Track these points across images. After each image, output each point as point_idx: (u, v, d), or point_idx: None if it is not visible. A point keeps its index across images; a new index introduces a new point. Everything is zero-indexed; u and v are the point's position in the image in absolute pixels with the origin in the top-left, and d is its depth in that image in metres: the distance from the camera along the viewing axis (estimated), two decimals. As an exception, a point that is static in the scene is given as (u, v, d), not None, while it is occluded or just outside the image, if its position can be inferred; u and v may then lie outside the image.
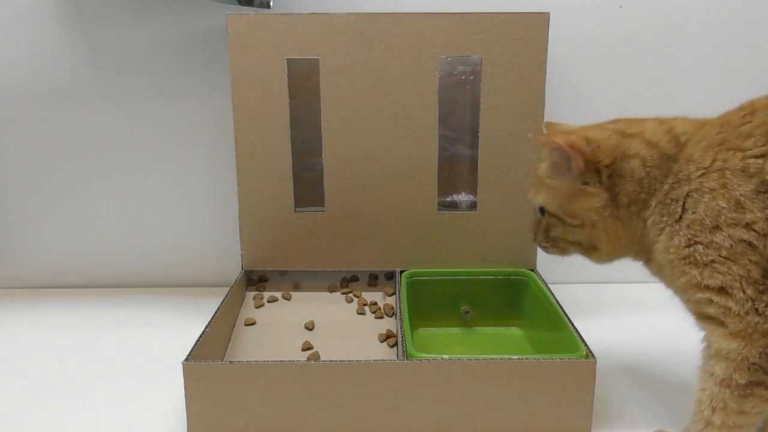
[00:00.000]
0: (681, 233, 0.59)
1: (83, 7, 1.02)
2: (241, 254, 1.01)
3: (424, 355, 0.70)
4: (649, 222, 0.62)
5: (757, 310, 0.55)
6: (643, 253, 0.65)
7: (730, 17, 1.03)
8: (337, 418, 0.68)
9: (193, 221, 1.12)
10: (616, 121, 0.68)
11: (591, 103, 1.06)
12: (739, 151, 0.57)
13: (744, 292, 0.56)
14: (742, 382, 0.56)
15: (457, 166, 1.04)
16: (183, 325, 0.87)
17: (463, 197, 1.04)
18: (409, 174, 0.96)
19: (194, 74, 1.05)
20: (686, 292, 0.59)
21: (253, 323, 0.90)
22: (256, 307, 0.96)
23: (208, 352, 0.73)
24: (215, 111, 1.05)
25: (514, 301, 0.93)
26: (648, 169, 0.62)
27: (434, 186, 0.97)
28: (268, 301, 0.98)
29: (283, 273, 1.03)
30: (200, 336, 0.72)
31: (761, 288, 0.55)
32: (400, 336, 0.77)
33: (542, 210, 0.69)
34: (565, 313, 0.78)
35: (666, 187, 0.61)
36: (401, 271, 0.95)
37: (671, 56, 1.05)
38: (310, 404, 0.67)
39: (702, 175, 0.58)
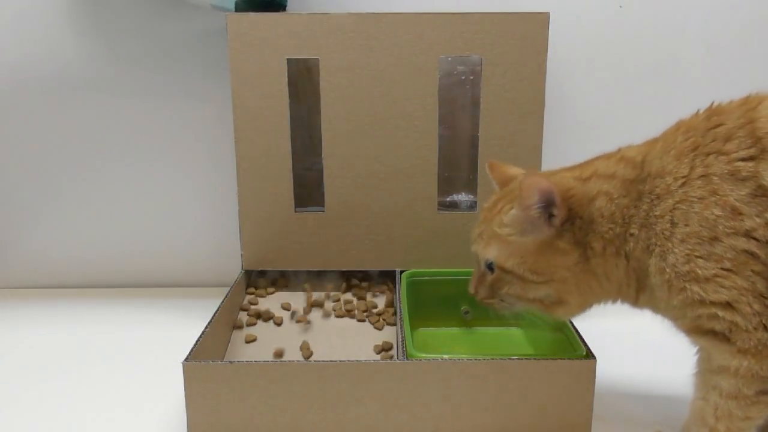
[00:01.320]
0: (676, 250, 0.56)
1: (82, 8, 1.02)
2: (241, 254, 1.01)
3: (424, 355, 0.70)
4: (637, 252, 0.59)
5: (765, 326, 0.53)
6: (631, 289, 0.61)
7: (729, 17, 1.03)
8: (337, 418, 0.68)
9: (193, 221, 1.12)
10: (571, 169, 0.65)
11: (591, 103, 1.06)
12: (722, 154, 0.55)
13: (751, 306, 0.53)
14: (750, 393, 0.55)
15: (457, 166, 1.04)
16: (183, 325, 0.87)
17: (463, 197, 1.04)
18: (409, 174, 0.96)
19: (194, 74, 1.05)
20: (684, 309, 0.57)
21: (254, 340, 0.89)
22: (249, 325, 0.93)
23: (208, 352, 0.73)
24: (215, 111, 1.05)
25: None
26: (615, 201, 0.59)
27: (434, 186, 0.97)
28: (263, 320, 0.94)
29: (282, 273, 1.04)
30: (200, 336, 0.72)
31: (766, 303, 0.53)
32: (400, 336, 0.77)
33: (491, 266, 0.65)
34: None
35: (644, 208, 0.58)
36: (401, 271, 0.95)
37: (671, 56, 1.05)
38: (310, 404, 0.67)
39: (683, 184, 0.56)
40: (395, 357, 0.81)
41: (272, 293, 1.00)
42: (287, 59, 0.93)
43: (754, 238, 0.53)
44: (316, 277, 1.03)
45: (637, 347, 0.87)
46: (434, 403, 0.68)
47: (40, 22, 1.02)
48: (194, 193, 1.11)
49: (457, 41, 0.92)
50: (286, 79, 0.94)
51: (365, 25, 0.92)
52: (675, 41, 1.04)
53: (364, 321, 0.91)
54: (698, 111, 0.60)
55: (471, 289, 0.69)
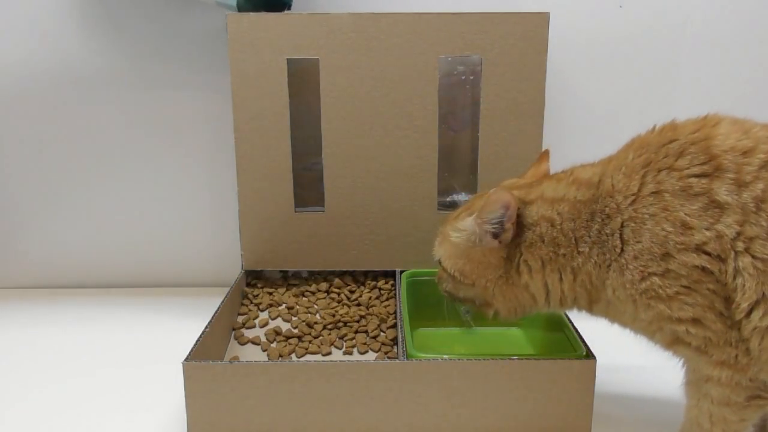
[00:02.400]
0: (630, 266, 0.56)
1: (81, 8, 1.02)
2: (241, 254, 1.01)
3: (424, 355, 0.70)
4: (588, 267, 0.60)
5: (731, 343, 0.54)
6: (582, 300, 0.62)
7: (729, 17, 1.03)
8: (337, 418, 0.68)
9: (193, 221, 1.12)
10: (519, 187, 0.66)
11: (591, 103, 1.06)
12: (674, 170, 0.55)
13: (715, 324, 0.54)
14: (740, 399, 0.56)
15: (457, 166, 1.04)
16: (183, 325, 0.87)
17: (463, 197, 1.04)
18: (409, 174, 0.96)
19: (194, 74, 1.05)
20: (659, 323, 0.57)
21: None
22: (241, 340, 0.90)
23: (208, 352, 0.73)
24: (215, 111, 1.05)
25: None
26: (560, 225, 0.60)
27: (434, 186, 0.97)
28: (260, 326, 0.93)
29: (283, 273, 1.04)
30: (200, 336, 0.72)
31: (729, 323, 0.54)
32: (400, 336, 0.77)
33: (439, 262, 0.70)
34: (565, 313, 0.78)
35: (596, 227, 0.58)
36: (401, 271, 0.95)
37: (671, 56, 1.05)
38: (310, 404, 0.67)
39: (633, 202, 0.56)
40: (397, 353, 0.81)
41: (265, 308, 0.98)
42: (287, 59, 0.93)
43: (706, 253, 0.53)
44: (313, 279, 1.04)
45: (637, 347, 0.87)
46: (434, 403, 0.68)
47: (43, 21, 1.02)
48: (194, 193, 1.11)
49: (457, 41, 0.92)
50: (286, 79, 0.94)
51: (365, 25, 0.92)
52: (675, 41, 1.04)
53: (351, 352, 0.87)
54: (654, 126, 0.60)
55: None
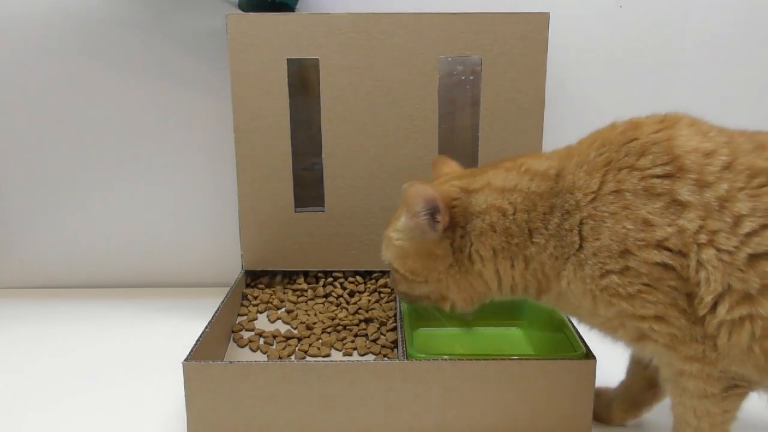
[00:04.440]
0: (590, 262, 0.56)
1: (80, 7, 1.02)
2: (241, 254, 1.01)
3: (424, 355, 0.70)
4: (542, 257, 0.60)
5: (696, 339, 0.54)
6: (531, 289, 0.63)
7: (729, 17, 1.03)
8: (337, 418, 0.68)
9: (193, 221, 1.12)
10: (460, 177, 0.67)
11: (591, 103, 1.06)
12: (635, 170, 0.55)
13: (679, 320, 0.54)
14: (716, 391, 0.56)
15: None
16: (183, 325, 0.87)
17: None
18: (409, 174, 0.96)
19: (194, 74, 1.05)
20: (621, 320, 0.57)
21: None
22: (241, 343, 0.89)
23: (208, 352, 0.73)
24: (215, 111, 1.05)
25: (513, 301, 0.92)
26: (513, 216, 0.61)
27: (434, 186, 0.97)
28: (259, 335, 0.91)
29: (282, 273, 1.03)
30: (200, 336, 0.72)
31: (693, 319, 0.54)
32: (400, 336, 0.77)
33: (390, 265, 0.70)
34: (567, 316, 0.78)
35: (555, 221, 0.59)
36: (401, 271, 0.95)
37: (671, 56, 1.05)
38: (310, 404, 0.67)
39: (593, 200, 0.56)
40: (397, 353, 0.81)
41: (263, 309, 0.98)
42: (287, 59, 0.93)
43: (667, 249, 0.53)
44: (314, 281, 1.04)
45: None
46: (434, 403, 0.68)
47: (42, 21, 1.02)
48: (194, 193, 1.11)
49: (457, 41, 0.92)
50: (286, 79, 0.94)
51: (365, 25, 0.92)
52: (675, 40, 1.04)
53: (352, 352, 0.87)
54: (615, 123, 0.61)
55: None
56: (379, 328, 0.90)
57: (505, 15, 0.91)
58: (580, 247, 0.57)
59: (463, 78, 1.02)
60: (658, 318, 0.55)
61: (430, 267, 0.66)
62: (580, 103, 1.05)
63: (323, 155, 0.97)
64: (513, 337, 0.90)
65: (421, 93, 0.94)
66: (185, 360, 0.66)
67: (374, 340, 0.87)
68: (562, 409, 0.68)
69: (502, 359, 0.67)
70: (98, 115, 1.07)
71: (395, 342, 0.86)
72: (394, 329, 0.89)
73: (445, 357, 0.68)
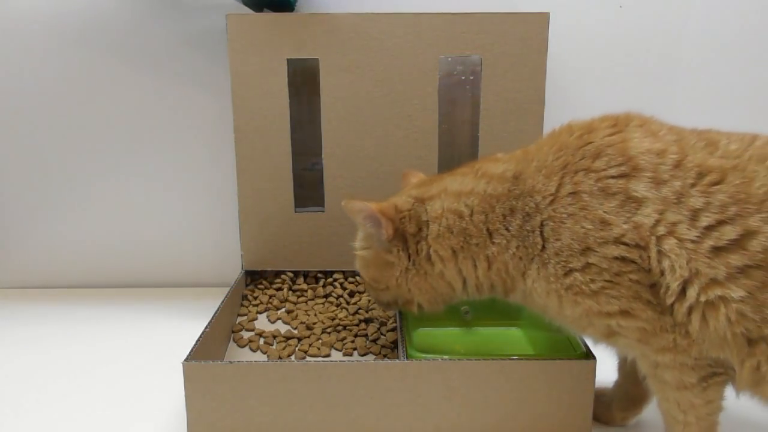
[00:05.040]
0: (552, 261, 0.58)
1: (79, 7, 1.02)
2: (241, 254, 1.01)
3: (424, 355, 0.70)
4: (505, 257, 0.62)
5: (666, 329, 0.55)
6: (498, 288, 0.65)
7: (729, 17, 1.03)
8: (337, 418, 0.68)
9: (193, 221, 1.12)
10: (418, 186, 0.71)
11: (591, 103, 1.06)
12: (591, 171, 0.57)
13: (645, 312, 0.55)
14: (694, 381, 0.56)
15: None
16: (183, 325, 0.87)
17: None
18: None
19: (194, 74, 1.05)
20: (585, 319, 0.58)
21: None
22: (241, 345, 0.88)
23: (208, 352, 0.73)
24: (215, 111, 1.05)
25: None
26: (471, 218, 0.63)
27: (434, 186, 0.96)
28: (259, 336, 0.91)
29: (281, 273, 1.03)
30: (200, 336, 0.72)
31: (660, 309, 0.55)
32: (400, 336, 0.77)
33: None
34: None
35: (517, 222, 0.61)
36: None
37: (671, 56, 1.05)
38: (310, 404, 0.67)
39: (552, 202, 0.58)
40: (397, 353, 0.81)
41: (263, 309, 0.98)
42: (287, 59, 0.93)
43: (624, 243, 0.54)
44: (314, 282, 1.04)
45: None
46: (434, 403, 0.68)
47: (43, 21, 1.02)
48: (194, 193, 1.11)
49: (457, 41, 0.92)
50: (286, 79, 0.94)
51: (365, 25, 0.92)
52: (675, 41, 1.04)
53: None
54: (571, 125, 0.62)
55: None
56: (379, 328, 0.90)
57: (505, 15, 0.91)
58: (543, 247, 0.59)
59: (463, 78, 1.02)
60: (624, 312, 0.56)
61: (387, 274, 0.70)
62: (580, 103, 1.05)
63: (323, 155, 0.97)
64: (513, 337, 0.90)
65: (421, 93, 0.94)
66: (185, 360, 0.66)
67: (374, 340, 0.87)
68: (562, 409, 0.68)
69: (502, 359, 0.67)
70: (98, 115, 1.07)
71: (395, 342, 0.86)
72: (394, 329, 0.89)
73: (445, 357, 0.68)
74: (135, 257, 1.13)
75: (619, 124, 0.59)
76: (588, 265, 0.56)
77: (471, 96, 1.01)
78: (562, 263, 0.57)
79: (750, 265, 0.51)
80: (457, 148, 1.03)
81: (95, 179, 1.10)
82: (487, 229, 0.63)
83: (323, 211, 0.99)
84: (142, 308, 1.04)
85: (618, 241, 0.54)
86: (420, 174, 0.78)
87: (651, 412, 0.72)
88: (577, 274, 0.57)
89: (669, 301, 0.54)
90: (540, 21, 0.91)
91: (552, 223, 0.58)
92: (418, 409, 0.68)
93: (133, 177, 1.10)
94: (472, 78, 1.01)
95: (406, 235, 0.67)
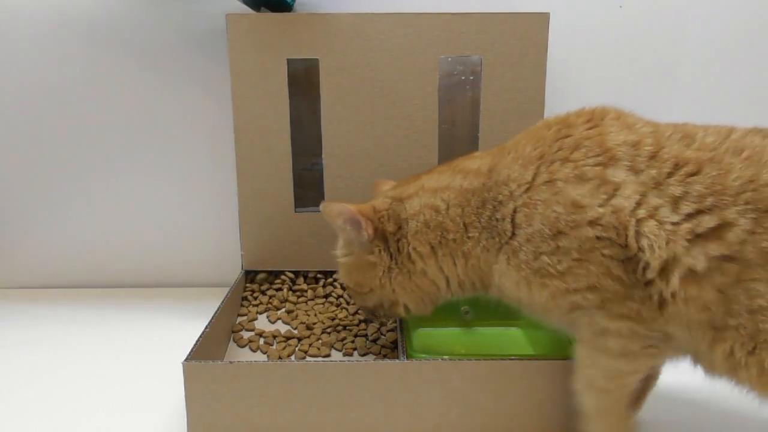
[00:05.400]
0: (524, 248, 0.59)
1: (78, 7, 1.02)
2: (241, 254, 1.01)
3: (424, 355, 0.70)
4: (477, 251, 0.63)
5: (632, 298, 0.55)
6: (478, 284, 0.66)
7: (729, 17, 1.03)
8: (337, 418, 0.68)
9: (193, 221, 1.12)
10: (395, 187, 0.72)
11: (591, 103, 1.06)
12: (569, 161, 0.58)
13: (612, 286, 0.55)
14: (637, 348, 0.57)
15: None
16: (183, 325, 0.87)
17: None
18: (408, 174, 0.96)
19: (194, 74, 1.05)
20: (555, 300, 0.59)
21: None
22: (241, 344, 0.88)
23: (208, 352, 0.73)
24: (215, 111, 1.05)
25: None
26: (447, 211, 0.64)
27: (434, 186, 0.97)
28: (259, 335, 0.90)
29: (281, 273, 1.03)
30: (200, 336, 0.72)
31: (631, 283, 0.55)
32: (400, 336, 0.77)
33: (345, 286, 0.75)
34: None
35: (487, 213, 0.61)
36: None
37: (671, 56, 1.05)
38: (310, 404, 0.67)
39: (527, 190, 0.59)
40: (397, 353, 0.81)
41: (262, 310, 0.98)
42: (287, 59, 0.93)
43: (600, 225, 0.55)
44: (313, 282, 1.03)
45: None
46: (434, 403, 0.68)
47: (43, 20, 1.02)
48: (194, 193, 1.11)
49: (457, 41, 0.92)
50: (286, 79, 0.94)
51: (365, 25, 0.92)
52: (675, 41, 1.04)
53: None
54: (548, 120, 0.63)
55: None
56: (379, 328, 0.90)
57: (505, 15, 0.91)
58: (513, 234, 0.60)
59: (463, 78, 1.02)
60: (591, 287, 0.56)
61: (371, 276, 0.70)
62: (580, 103, 1.04)
63: (323, 155, 0.97)
64: (513, 337, 0.90)
65: (421, 93, 0.94)
66: (185, 360, 0.66)
67: (374, 340, 0.87)
68: (562, 410, 0.68)
69: (502, 359, 0.67)
70: (98, 115, 1.07)
71: (395, 342, 0.86)
72: (394, 329, 0.89)
73: (445, 357, 0.68)
74: (135, 257, 1.13)
75: (595, 118, 0.61)
76: (558, 248, 0.57)
77: (471, 96, 1.01)
78: (533, 249, 0.58)
79: (727, 255, 0.51)
80: (457, 149, 1.03)
81: (95, 179, 1.10)
82: (464, 223, 0.63)
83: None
84: (142, 308, 1.04)
85: (593, 223, 0.55)
86: (391, 182, 0.79)
87: (651, 412, 0.72)
88: (545, 257, 0.57)
89: (650, 275, 0.54)
90: (540, 21, 0.91)
91: (526, 209, 0.59)
92: (418, 409, 0.68)
93: (133, 177, 1.10)
94: (472, 78, 1.01)
95: (386, 234, 0.68)
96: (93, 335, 0.94)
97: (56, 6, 1.02)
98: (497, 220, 0.61)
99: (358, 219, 0.67)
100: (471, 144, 1.01)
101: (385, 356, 0.84)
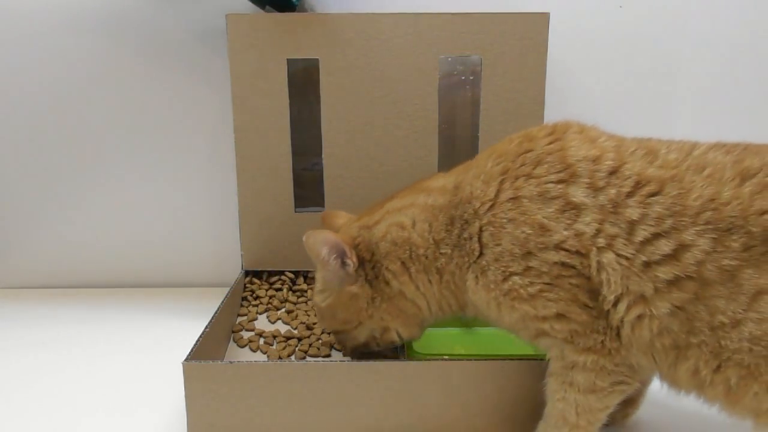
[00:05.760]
0: (492, 267, 0.58)
1: (82, 7, 1.02)
2: (241, 254, 1.01)
3: (424, 355, 0.70)
4: (451, 267, 0.62)
5: (598, 330, 0.56)
6: (454, 304, 0.65)
7: (730, 17, 1.03)
8: (337, 418, 0.68)
9: (193, 221, 1.12)
10: (360, 217, 0.71)
11: (591, 102, 1.06)
12: (532, 177, 0.57)
13: (580, 316, 0.56)
14: (605, 385, 0.57)
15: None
16: (183, 325, 0.87)
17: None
18: (409, 174, 0.96)
19: (194, 74, 1.05)
20: (524, 323, 0.59)
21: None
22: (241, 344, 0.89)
23: (208, 352, 0.73)
24: (215, 111, 1.05)
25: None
26: (413, 228, 0.64)
27: (434, 186, 0.97)
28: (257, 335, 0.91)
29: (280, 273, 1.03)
30: (200, 336, 0.72)
31: (594, 313, 0.55)
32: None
33: (331, 331, 0.74)
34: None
35: (456, 231, 0.61)
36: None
37: (671, 56, 1.05)
38: (310, 404, 0.67)
39: (491, 207, 0.58)
40: (397, 353, 0.81)
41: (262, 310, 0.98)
42: (287, 59, 0.93)
43: (564, 249, 0.55)
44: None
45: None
46: (434, 403, 0.68)
47: (42, 20, 1.02)
48: (194, 193, 1.11)
49: (457, 41, 0.92)
50: (286, 79, 0.94)
51: (365, 25, 0.92)
52: (675, 41, 1.04)
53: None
54: (510, 136, 0.63)
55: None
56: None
57: (505, 15, 0.91)
58: (481, 254, 0.59)
59: (463, 78, 1.02)
60: (559, 316, 0.56)
61: (357, 309, 0.68)
62: (580, 103, 1.05)
63: (323, 155, 0.97)
64: (513, 337, 0.90)
65: (421, 93, 0.94)
66: (185, 360, 0.66)
67: None
68: (562, 409, 0.68)
69: (502, 359, 0.67)
70: (98, 115, 1.07)
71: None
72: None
73: (445, 357, 0.68)
74: (135, 257, 1.13)
75: (557, 132, 0.60)
76: (528, 268, 0.56)
77: (471, 96, 1.01)
78: (502, 268, 0.57)
79: (682, 276, 0.51)
80: (457, 149, 1.04)
81: (95, 179, 1.10)
82: (433, 239, 0.63)
83: (323, 211, 0.98)
84: (142, 308, 1.04)
85: (558, 246, 0.55)
86: (342, 212, 0.78)
87: (651, 412, 0.72)
88: (516, 278, 0.57)
89: (606, 308, 0.55)
90: (540, 21, 0.91)
91: (492, 228, 0.58)
92: (418, 409, 0.68)
93: (133, 177, 1.10)
94: (472, 78, 1.01)
95: (363, 261, 0.67)
96: (93, 335, 0.94)
97: (56, 6, 1.02)
98: (465, 239, 0.60)
99: (344, 248, 0.66)
100: (471, 144, 1.01)
101: (385, 356, 0.84)
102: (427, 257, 0.63)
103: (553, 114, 0.97)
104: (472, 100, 1.01)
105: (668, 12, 1.03)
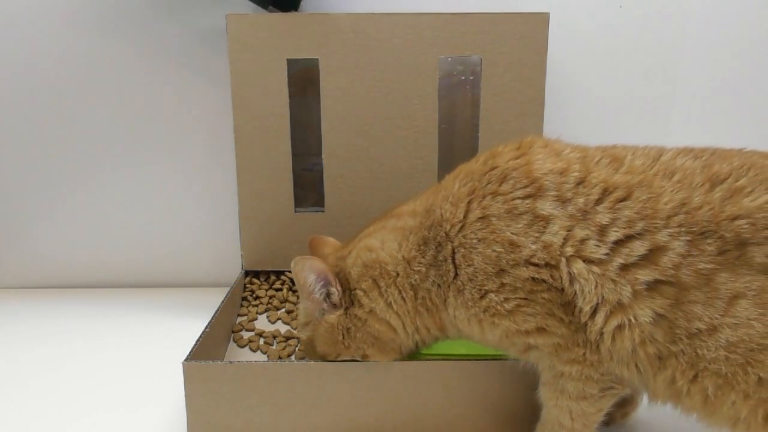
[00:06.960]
0: (467, 287, 0.58)
1: (81, 7, 1.02)
2: (241, 254, 1.01)
3: (424, 355, 0.70)
4: (427, 285, 0.61)
5: (578, 343, 0.56)
6: (434, 326, 0.64)
7: (729, 17, 1.03)
8: (337, 418, 0.68)
9: (193, 221, 1.12)
10: (337, 249, 0.71)
11: (591, 102, 1.06)
12: (499, 195, 0.57)
13: (559, 329, 0.56)
14: (595, 392, 0.58)
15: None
16: (183, 325, 0.87)
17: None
18: (409, 174, 0.96)
19: (194, 74, 1.05)
20: (506, 340, 0.59)
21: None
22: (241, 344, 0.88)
23: (208, 352, 0.73)
24: (215, 111, 1.05)
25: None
26: (381, 248, 0.64)
27: (434, 186, 0.97)
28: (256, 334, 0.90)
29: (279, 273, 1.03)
30: (200, 336, 0.72)
31: (573, 328, 0.55)
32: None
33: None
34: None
35: (431, 253, 0.61)
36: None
37: (671, 56, 1.05)
38: (310, 404, 0.67)
39: (461, 229, 0.58)
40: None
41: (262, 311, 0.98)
42: (287, 59, 0.93)
43: (533, 264, 0.55)
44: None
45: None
46: (434, 403, 0.68)
47: (41, 22, 1.02)
48: (194, 193, 1.11)
49: (457, 41, 0.92)
50: (286, 79, 0.94)
51: (365, 25, 0.92)
52: (675, 41, 1.04)
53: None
54: (477, 156, 0.63)
55: None
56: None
57: (505, 15, 0.91)
58: (456, 275, 0.59)
59: (463, 78, 1.02)
60: (540, 329, 0.57)
61: (333, 340, 0.66)
62: (580, 103, 1.05)
63: (323, 155, 0.97)
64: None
65: (421, 93, 0.94)
66: (185, 360, 0.66)
67: None
68: (562, 409, 0.68)
69: (502, 359, 0.67)
70: (98, 116, 1.07)
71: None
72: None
73: (445, 357, 0.68)
74: (135, 257, 1.13)
75: (523, 147, 0.60)
76: (503, 285, 0.56)
77: (471, 96, 1.01)
78: (478, 287, 0.57)
79: (662, 280, 0.51)
80: (457, 149, 1.04)
81: (95, 180, 1.10)
82: (403, 257, 0.62)
83: (323, 212, 0.99)
84: (142, 308, 1.04)
85: (528, 262, 0.55)
86: (330, 239, 0.78)
87: (651, 411, 0.72)
88: (492, 295, 0.57)
89: (583, 320, 0.55)
90: (540, 21, 0.91)
91: (463, 250, 0.58)
92: (418, 409, 0.68)
93: (133, 177, 1.10)
94: (472, 78, 1.01)
95: (343, 291, 0.67)
96: (93, 335, 0.94)
97: (56, 6, 1.02)
98: (441, 260, 0.60)
99: (329, 277, 0.65)
100: (471, 144, 1.01)
101: None
102: (398, 273, 0.63)
103: (553, 114, 0.97)
104: (472, 100, 1.01)
105: (668, 12, 1.03)
